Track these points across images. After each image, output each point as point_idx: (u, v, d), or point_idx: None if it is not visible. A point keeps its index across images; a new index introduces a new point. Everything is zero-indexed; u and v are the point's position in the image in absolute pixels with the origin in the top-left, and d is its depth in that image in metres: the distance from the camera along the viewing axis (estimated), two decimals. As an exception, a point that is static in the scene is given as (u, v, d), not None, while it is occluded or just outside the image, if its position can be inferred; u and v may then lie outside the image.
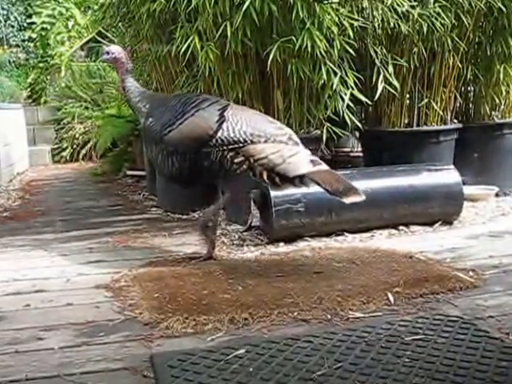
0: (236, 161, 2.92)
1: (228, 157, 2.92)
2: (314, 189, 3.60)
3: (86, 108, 8.87)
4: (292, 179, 2.86)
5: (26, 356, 2.15)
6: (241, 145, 2.90)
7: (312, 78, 3.81)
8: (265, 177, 2.89)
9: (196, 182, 3.15)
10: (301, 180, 2.86)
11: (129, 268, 3.17)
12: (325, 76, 3.71)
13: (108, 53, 3.43)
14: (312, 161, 2.86)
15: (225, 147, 2.91)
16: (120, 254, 3.55)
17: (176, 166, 3.04)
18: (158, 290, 2.75)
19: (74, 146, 8.95)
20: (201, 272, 3.00)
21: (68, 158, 9.08)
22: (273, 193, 3.50)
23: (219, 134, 2.92)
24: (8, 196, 6.06)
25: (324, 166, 2.88)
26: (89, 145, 8.67)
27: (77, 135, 8.87)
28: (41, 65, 10.50)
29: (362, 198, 2.85)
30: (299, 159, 2.86)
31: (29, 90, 10.42)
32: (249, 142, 2.89)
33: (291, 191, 3.55)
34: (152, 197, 5.38)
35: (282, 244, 3.56)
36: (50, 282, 3.04)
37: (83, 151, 8.83)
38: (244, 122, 2.93)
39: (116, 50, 3.43)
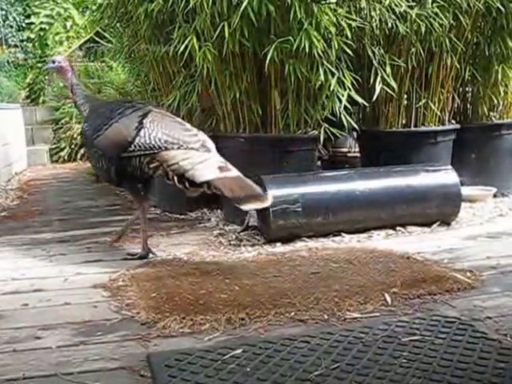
0: (151, 166, 3.07)
1: (145, 162, 3.08)
2: (312, 189, 3.63)
3: (85, 108, 8.86)
4: (199, 185, 2.97)
5: (24, 355, 2.15)
6: (156, 151, 3.04)
7: (309, 79, 3.81)
8: (176, 181, 3.01)
9: (124, 184, 3.36)
10: (208, 186, 2.96)
11: (126, 268, 3.17)
12: (322, 76, 3.71)
13: (54, 62, 3.67)
14: (220, 167, 2.97)
15: (141, 152, 3.06)
16: (118, 253, 3.55)
17: (105, 168, 3.24)
18: (156, 289, 2.74)
19: (72, 146, 8.94)
20: (198, 272, 3.00)
21: (66, 157, 9.07)
22: (270, 193, 3.50)
23: (137, 140, 3.06)
24: (6, 195, 6.06)
25: (232, 173, 2.99)
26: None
27: (75, 135, 8.86)
28: (39, 65, 10.48)
29: (264, 204, 3.01)
30: (206, 166, 2.97)
31: (27, 89, 10.42)
32: (163, 148, 3.03)
33: (289, 191, 3.57)
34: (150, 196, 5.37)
35: (279, 244, 3.56)
36: (48, 282, 3.04)
37: (81, 151, 8.82)
38: (160, 130, 3.07)
39: (61, 59, 3.69)
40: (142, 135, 3.06)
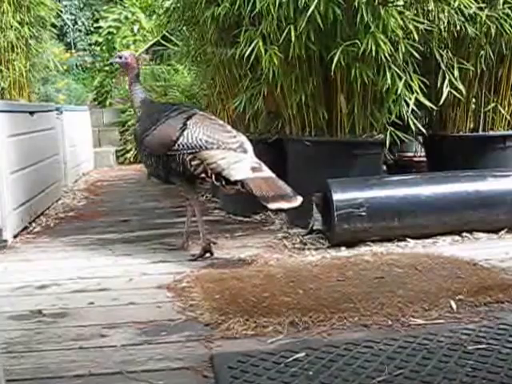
0: (193, 163, 3.30)
1: (187, 159, 3.30)
2: (377, 193, 3.61)
3: (151, 110, 8.99)
4: (233, 183, 3.20)
5: (90, 352, 2.20)
6: (197, 150, 3.28)
7: (376, 82, 3.78)
8: (214, 179, 3.26)
9: (171, 180, 3.58)
10: (242, 185, 3.17)
11: (191, 269, 3.21)
12: (389, 80, 3.68)
13: (120, 57, 3.83)
14: (253, 168, 3.20)
15: (184, 151, 3.30)
16: (182, 255, 3.59)
17: (154, 165, 3.51)
18: (219, 291, 2.77)
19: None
20: (262, 274, 3.01)
21: (132, 159, 9.23)
22: (335, 196, 3.50)
23: (180, 139, 3.32)
24: (73, 196, 6.20)
25: (264, 174, 3.20)
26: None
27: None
28: (106, 68, 10.71)
29: (292, 205, 3.17)
30: (241, 166, 3.20)
31: (95, 92, 10.64)
32: (203, 147, 3.27)
33: (354, 195, 3.55)
34: (215, 199, 5.42)
35: (343, 248, 3.54)
36: (114, 281, 3.11)
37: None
38: (201, 131, 3.32)
39: (128, 54, 3.85)
40: (185, 135, 3.32)
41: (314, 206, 3.73)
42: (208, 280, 2.97)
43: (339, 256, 3.39)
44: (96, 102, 10.53)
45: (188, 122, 3.36)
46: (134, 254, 3.67)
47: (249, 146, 3.34)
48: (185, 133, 3.32)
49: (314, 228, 3.80)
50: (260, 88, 4.17)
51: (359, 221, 3.53)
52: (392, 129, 3.86)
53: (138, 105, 3.73)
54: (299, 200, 3.18)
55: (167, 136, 3.38)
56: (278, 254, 3.48)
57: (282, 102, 4.13)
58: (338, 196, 3.51)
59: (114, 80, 10.41)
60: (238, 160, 3.23)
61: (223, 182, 3.23)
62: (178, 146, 3.31)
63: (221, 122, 3.53)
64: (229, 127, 3.46)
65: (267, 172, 3.21)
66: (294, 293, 2.71)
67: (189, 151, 3.29)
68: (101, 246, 3.92)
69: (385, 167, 4.67)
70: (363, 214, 3.52)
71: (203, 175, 3.30)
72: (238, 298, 2.66)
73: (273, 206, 3.14)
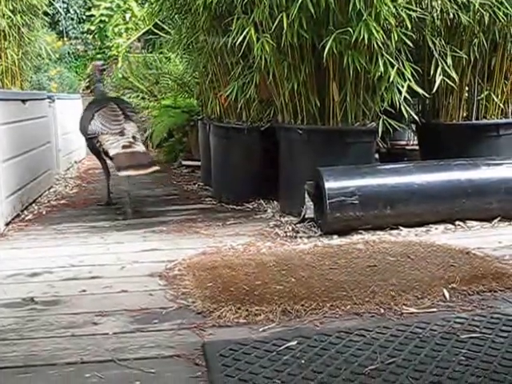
0: (97, 145, 4.38)
1: (94, 141, 4.42)
2: (369, 182, 3.60)
3: (143, 98, 8.94)
4: (111, 158, 4.23)
5: (82, 340, 2.19)
6: (97, 134, 4.36)
7: (368, 70, 3.76)
8: (104, 155, 4.44)
9: (102, 158, 4.69)
10: (112, 158, 4.22)
11: (182, 257, 3.19)
12: (382, 68, 3.65)
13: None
14: (124, 146, 4.20)
15: (92, 135, 4.42)
16: (174, 243, 3.58)
17: (89, 146, 4.73)
18: (211, 279, 2.75)
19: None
20: (254, 263, 3.00)
21: (124, 147, 9.18)
22: (327, 185, 3.49)
23: (89, 127, 4.45)
24: (65, 184, 6.18)
25: (130, 149, 4.19)
26: (145, 135, 8.73)
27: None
28: (99, 56, 10.66)
29: (139, 172, 4.12)
30: (115, 145, 4.22)
31: (87, 80, 10.58)
32: (100, 133, 4.35)
33: (346, 184, 3.54)
34: (207, 187, 5.41)
35: (335, 237, 3.53)
36: (106, 269, 3.09)
37: (139, 141, 8.93)
38: (101, 121, 4.41)
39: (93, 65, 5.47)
40: (92, 124, 4.43)
41: (306, 195, 3.72)
42: (200, 268, 2.95)
43: (331, 244, 3.38)
44: (88, 90, 10.47)
45: (95, 114, 4.47)
46: (126, 242, 3.66)
47: (129, 130, 4.34)
48: (92, 122, 4.44)
49: (306, 216, 3.79)
50: (252, 76, 4.15)
51: (351, 209, 3.51)
52: (385, 117, 3.85)
53: (94, 97, 5.08)
54: (151, 169, 4.12)
55: (83, 124, 4.62)
56: (270, 243, 3.46)
57: (275, 90, 4.11)
58: (330, 184, 3.49)
59: (106, 68, 10.34)
60: (116, 141, 4.25)
61: (109, 157, 4.28)
62: (88, 131, 4.44)
63: (119, 113, 4.47)
64: (121, 117, 4.43)
65: (136, 148, 4.21)
66: (286, 281, 2.69)
67: (94, 135, 4.39)
68: (93, 234, 3.90)
69: (377, 155, 4.65)
70: (355, 202, 3.50)
71: (102, 152, 4.38)
72: (230, 286, 2.64)
73: (121, 173, 4.11)
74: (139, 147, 4.26)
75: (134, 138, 4.34)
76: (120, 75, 9.68)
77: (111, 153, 4.20)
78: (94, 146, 4.45)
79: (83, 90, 10.49)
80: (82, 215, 4.56)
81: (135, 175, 4.21)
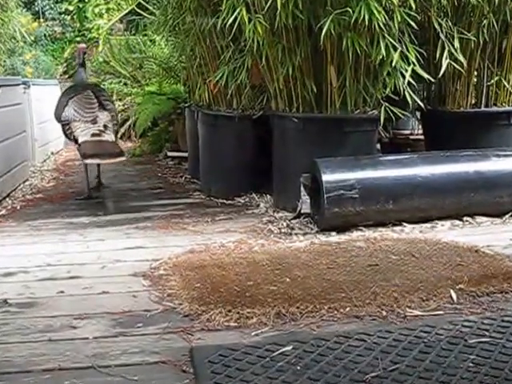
0: (68, 131, 4.78)
1: (66, 128, 4.79)
2: (370, 174, 3.60)
3: (125, 84, 8.93)
4: (80, 145, 4.60)
5: (59, 345, 2.18)
6: (70, 121, 4.72)
7: (369, 54, 3.75)
8: (75, 142, 4.74)
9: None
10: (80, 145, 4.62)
11: (168, 255, 3.18)
12: (383, 51, 3.65)
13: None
14: (93, 134, 4.59)
15: (65, 122, 4.78)
16: (159, 240, 3.58)
17: (64, 134, 5.01)
18: (200, 279, 2.75)
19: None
20: (245, 262, 3.00)
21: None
22: (325, 177, 3.48)
23: (63, 114, 4.79)
24: (42, 176, 6.16)
25: (99, 138, 4.59)
26: (128, 123, 8.72)
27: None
28: (78, 39, 10.62)
29: (104, 161, 4.68)
30: (85, 133, 4.60)
31: (65, 65, 10.55)
32: (72, 120, 4.70)
33: (345, 176, 3.54)
34: (194, 180, 5.41)
35: (333, 233, 3.53)
36: (85, 268, 3.08)
37: (122, 130, 8.87)
38: (74, 107, 4.76)
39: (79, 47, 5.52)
40: (65, 110, 4.77)
41: (302, 188, 3.72)
42: (187, 267, 2.95)
43: (329, 241, 3.38)
44: (66, 76, 10.44)
45: (70, 100, 4.81)
46: (107, 239, 3.65)
47: (101, 118, 4.70)
48: (66, 108, 4.79)
49: (302, 211, 3.79)
50: (243, 60, 4.14)
51: (351, 204, 3.51)
52: (387, 104, 3.84)
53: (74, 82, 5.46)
54: (118, 159, 4.53)
55: (58, 110, 4.94)
56: (263, 240, 3.46)
57: (268, 75, 4.10)
58: (327, 177, 3.49)
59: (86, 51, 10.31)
60: (86, 129, 4.62)
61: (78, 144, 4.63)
62: (62, 117, 4.80)
63: (93, 101, 4.81)
64: (95, 106, 4.79)
65: (105, 137, 4.60)
66: (281, 281, 2.69)
67: (66, 122, 4.75)
68: (71, 231, 3.89)
69: (379, 146, 4.66)
70: (355, 196, 3.50)
71: (73, 138, 4.72)
72: (220, 286, 2.64)
73: (86, 160, 4.59)
74: (108, 136, 4.64)
75: (105, 126, 4.67)
76: (101, 59, 9.64)
77: (80, 140, 4.59)
78: (66, 133, 4.84)
79: (61, 75, 10.45)
80: (59, 210, 4.56)
81: (99, 163, 4.93)
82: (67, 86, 9.55)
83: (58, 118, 4.91)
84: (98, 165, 5.18)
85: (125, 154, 4.82)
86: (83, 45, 5.80)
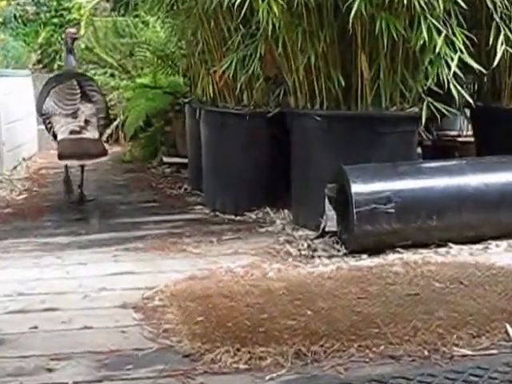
0: (49, 126, 4.98)
1: (47, 122, 5.03)
2: (410, 184, 3.61)
3: (112, 76, 8.94)
4: (59, 142, 4.85)
5: (32, 392, 2.19)
6: (50, 115, 4.95)
7: (408, 38, 3.77)
8: (54, 138, 4.97)
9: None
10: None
11: (165, 283, 3.20)
12: (425, 35, 3.66)
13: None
14: (72, 131, 4.80)
15: (45, 115, 5.03)
16: (154, 264, 3.60)
17: (46, 129, 5.16)
18: (203, 312, 2.77)
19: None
20: (258, 290, 3.01)
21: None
22: (355, 188, 3.49)
23: (44, 106, 5.02)
24: (11, 187, 6.16)
25: (79, 136, 4.81)
26: (115, 123, 8.71)
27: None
28: (55, 20, 10.66)
29: (83, 162, 5.03)
30: (64, 129, 4.83)
31: (39, 52, 10.58)
32: (52, 113, 4.94)
33: (379, 187, 3.55)
34: (196, 191, 5.41)
35: (364, 256, 3.54)
36: (64, 298, 3.10)
37: (108, 131, 8.89)
38: (54, 99, 4.98)
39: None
40: (46, 102, 5.00)
41: (327, 201, 3.73)
42: (188, 297, 2.96)
43: (359, 266, 3.39)
44: (41, 65, 10.48)
45: (51, 91, 5.05)
46: (90, 263, 3.66)
47: (83, 112, 4.91)
48: (46, 100, 5.02)
49: (327, 229, 3.80)
50: (256, 47, 4.16)
51: (386, 220, 3.52)
52: (429, 99, 3.85)
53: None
54: (97, 159, 4.92)
55: (38, 102, 5.21)
56: (280, 264, 3.48)
57: (285, 64, 4.12)
58: (357, 187, 3.51)
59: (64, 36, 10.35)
60: (65, 124, 4.85)
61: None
62: (42, 110, 5.04)
63: (76, 91, 4.99)
64: (77, 97, 4.97)
65: (85, 134, 4.83)
66: (301, 314, 2.71)
67: (47, 116, 4.99)
68: (47, 253, 3.91)
69: (420, 150, 4.67)
70: (391, 210, 3.51)
71: (53, 135, 4.95)
72: (227, 320, 2.65)
73: (62, 161, 4.92)
74: (90, 133, 4.89)
75: (86, 121, 4.90)
76: (82, 46, 9.67)
77: (59, 137, 4.85)
78: (48, 128, 5.07)
79: (34, 64, 10.48)
80: (33, 228, 4.56)
81: (78, 165, 5.19)
82: (42, 77, 9.66)
83: (39, 111, 5.15)
84: (82, 171, 5.29)
85: (107, 152, 5.08)
86: (72, 29, 5.95)
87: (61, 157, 4.76)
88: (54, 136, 4.92)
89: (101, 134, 5.26)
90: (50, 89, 5.07)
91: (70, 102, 4.97)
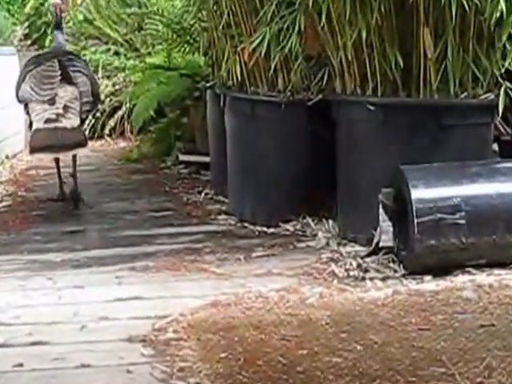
0: (27, 115, 5.29)
1: (26, 111, 5.34)
2: (483, 189, 3.60)
3: (117, 54, 8.98)
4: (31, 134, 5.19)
5: None
6: (26, 101, 5.26)
7: (481, 9, 3.77)
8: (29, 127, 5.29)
9: None
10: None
11: (180, 311, 3.21)
12: (502, 5, 3.66)
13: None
14: (47, 119, 5.02)
15: (22, 102, 5.35)
16: (167, 287, 3.61)
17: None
18: (227, 346, 2.78)
19: (97, 115, 9.06)
20: (296, 320, 3.02)
21: (87, 133, 9.20)
22: (415, 194, 3.49)
23: (19, 91, 5.32)
24: (-7, 192, 6.21)
25: (55, 124, 5.01)
26: (120, 113, 8.77)
27: (101, 97, 8.98)
28: (45, -14, 10.73)
29: (56, 155, 5.25)
30: (39, 118, 5.07)
31: (27, 25, 10.64)
32: (29, 100, 5.21)
33: (445, 192, 3.54)
34: (219, 197, 5.42)
35: (428, 278, 3.55)
36: (56, 330, 3.12)
37: (111, 123, 8.92)
38: (30, 84, 5.22)
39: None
40: (22, 88, 5.28)
41: (381, 210, 3.74)
42: (208, 329, 2.98)
43: (421, 290, 3.39)
44: (29, 41, 10.56)
45: (28, 74, 5.31)
46: (88, 286, 3.69)
47: (63, 97, 5.13)
48: (22, 84, 5.30)
49: (381, 245, 3.80)
50: (294, 18, 4.17)
51: (454, 233, 3.52)
52: (508, 84, 3.85)
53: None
54: (74, 151, 5.19)
55: (16, 87, 5.41)
56: (323, 288, 3.48)
57: (330, 40, 4.13)
58: (419, 193, 3.51)
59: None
60: (41, 113, 5.08)
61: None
62: (19, 96, 5.35)
63: (56, 73, 5.18)
64: (55, 79, 5.16)
65: (62, 123, 5.05)
66: (348, 350, 2.72)
67: (24, 102, 5.31)
68: (36, 273, 3.94)
69: (496, 146, 4.66)
70: (461, 222, 3.51)
71: (29, 125, 5.27)
72: (258, 357, 2.67)
73: (33, 155, 5.33)
74: (68, 121, 5.13)
75: (65, 107, 5.15)
76: (80, 17, 9.72)
77: (34, 127, 5.14)
78: (27, 112, 5.38)
79: (20, 39, 10.56)
80: (18, 242, 4.60)
81: (53, 159, 5.51)
82: (31, 56, 9.71)
83: (16, 96, 5.41)
84: (74, 172, 5.51)
85: (87, 143, 5.42)
86: (58, 0, 5.95)
87: (32, 150, 5.09)
88: (30, 126, 5.21)
89: (82, 121, 5.54)
90: (27, 72, 5.32)
91: (47, 86, 5.18)
